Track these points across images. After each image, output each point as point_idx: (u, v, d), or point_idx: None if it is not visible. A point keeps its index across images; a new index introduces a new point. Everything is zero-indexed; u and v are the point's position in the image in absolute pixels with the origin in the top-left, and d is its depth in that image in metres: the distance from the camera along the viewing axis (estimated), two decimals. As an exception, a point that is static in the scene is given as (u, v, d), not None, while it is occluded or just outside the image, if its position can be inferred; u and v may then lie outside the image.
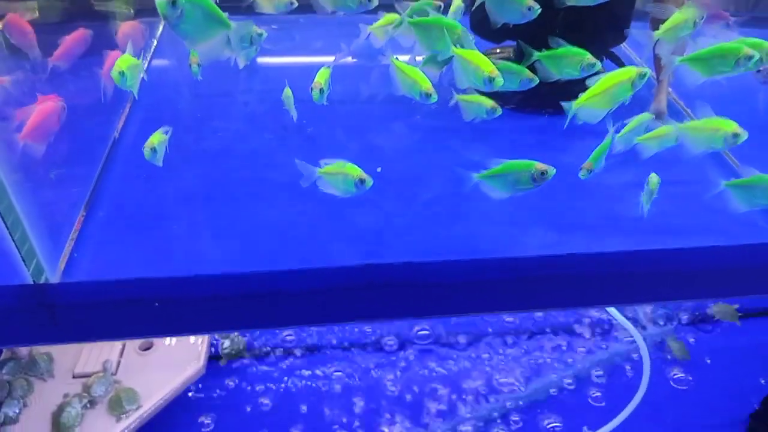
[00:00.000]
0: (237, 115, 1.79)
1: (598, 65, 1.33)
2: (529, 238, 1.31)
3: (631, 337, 2.73)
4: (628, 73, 1.24)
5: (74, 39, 1.46)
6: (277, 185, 1.45)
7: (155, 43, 2.12)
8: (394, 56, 1.32)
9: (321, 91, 1.37)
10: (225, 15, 1.06)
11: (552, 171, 1.19)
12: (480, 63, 1.24)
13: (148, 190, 1.44)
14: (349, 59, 1.64)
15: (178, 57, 1.64)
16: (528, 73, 1.37)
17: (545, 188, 1.24)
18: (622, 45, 1.82)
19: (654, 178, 1.30)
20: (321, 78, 1.39)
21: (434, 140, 1.61)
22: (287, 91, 1.56)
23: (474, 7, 1.66)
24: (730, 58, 1.22)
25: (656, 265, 1.31)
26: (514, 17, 1.32)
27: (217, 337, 2.61)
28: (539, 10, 1.29)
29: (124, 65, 1.30)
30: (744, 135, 1.22)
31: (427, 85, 1.29)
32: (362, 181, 1.21)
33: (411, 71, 1.31)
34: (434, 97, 1.29)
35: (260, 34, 1.18)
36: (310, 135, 1.66)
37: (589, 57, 1.33)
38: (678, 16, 1.30)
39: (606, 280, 1.32)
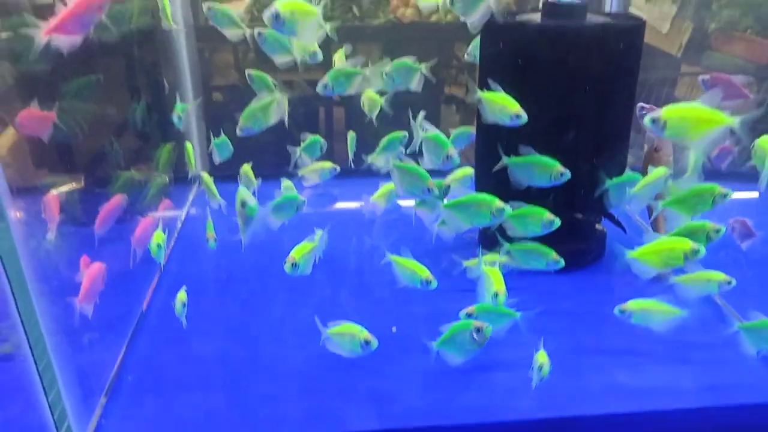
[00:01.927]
0: (259, 277, 1.82)
1: (557, 223, 1.39)
2: (538, 400, 1.32)
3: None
4: (684, 244, 1.29)
5: (110, 208, 1.57)
6: (293, 350, 1.47)
7: (186, 208, 2.26)
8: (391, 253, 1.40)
9: (294, 265, 1.33)
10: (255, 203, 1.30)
11: (488, 329, 1.22)
12: (495, 279, 1.32)
13: (173, 355, 1.48)
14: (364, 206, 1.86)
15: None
16: (555, 255, 1.45)
17: (549, 353, 1.28)
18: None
19: (543, 361, 1.27)
20: (297, 253, 1.35)
21: (450, 302, 1.58)
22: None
23: (477, 169, 1.80)
24: (706, 197, 1.34)
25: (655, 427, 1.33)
26: (542, 181, 1.39)
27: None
28: (569, 176, 1.37)
29: (159, 239, 1.45)
30: None
31: (425, 274, 1.37)
32: (368, 342, 1.25)
33: (408, 263, 1.39)
34: (434, 284, 1.37)
35: (303, 201, 1.42)
36: (327, 296, 1.71)
37: (547, 215, 1.38)
38: (648, 177, 1.46)
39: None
